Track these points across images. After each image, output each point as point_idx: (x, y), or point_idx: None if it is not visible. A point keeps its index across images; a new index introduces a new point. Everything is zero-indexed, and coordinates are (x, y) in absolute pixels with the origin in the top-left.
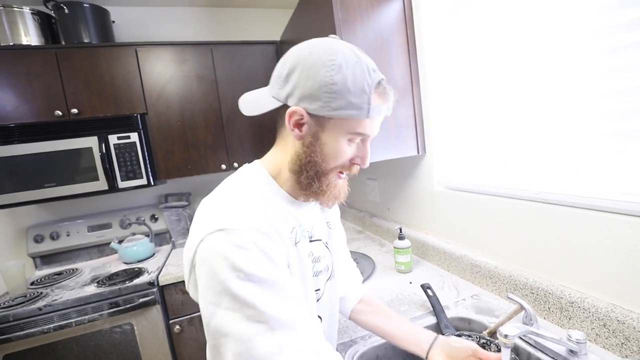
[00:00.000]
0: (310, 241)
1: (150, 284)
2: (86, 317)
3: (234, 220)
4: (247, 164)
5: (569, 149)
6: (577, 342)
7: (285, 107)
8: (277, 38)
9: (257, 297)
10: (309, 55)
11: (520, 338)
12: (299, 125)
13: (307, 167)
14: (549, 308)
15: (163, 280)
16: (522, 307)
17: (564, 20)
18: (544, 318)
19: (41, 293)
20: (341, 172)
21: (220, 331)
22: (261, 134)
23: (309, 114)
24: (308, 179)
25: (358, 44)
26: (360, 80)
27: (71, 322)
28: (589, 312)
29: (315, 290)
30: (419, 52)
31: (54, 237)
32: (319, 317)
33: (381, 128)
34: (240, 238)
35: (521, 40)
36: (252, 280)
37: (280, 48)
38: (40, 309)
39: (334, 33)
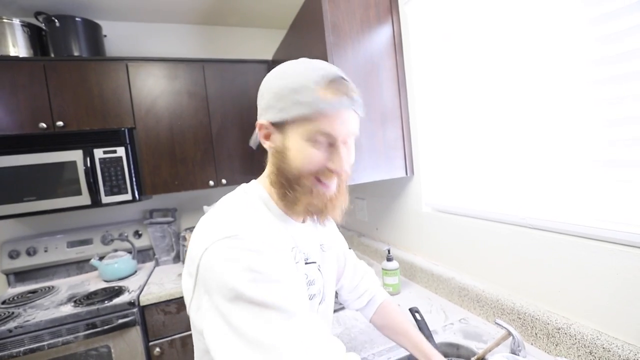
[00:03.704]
0: (306, 263)
1: (131, 303)
2: (60, 339)
3: (242, 228)
4: (244, 183)
5: (555, 175)
6: None
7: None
8: (269, 57)
9: (275, 297)
10: (271, 74)
11: None
12: (267, 137)
13: (279, 177)
14: (536, 334)
15: (144, 300)
16: (509, 333)
17: (557, 47)
18: (531, 344)
19: (12, 313)
20: (319, 180)
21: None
22: (251, 151)
23: (271, 124)
24: (282, 188)
25: (349, 67)
26: (304, 79)
27: (43, 345)
28: (576, 339)
29: None
30: (408, 76)
31: (30, 252)
32: None
33: (370, 149)
34: (252, 242)
35: (511, 64)
36: (268, 281)
37: (272, 67)
38: (10, 330)
39: (325, 56)
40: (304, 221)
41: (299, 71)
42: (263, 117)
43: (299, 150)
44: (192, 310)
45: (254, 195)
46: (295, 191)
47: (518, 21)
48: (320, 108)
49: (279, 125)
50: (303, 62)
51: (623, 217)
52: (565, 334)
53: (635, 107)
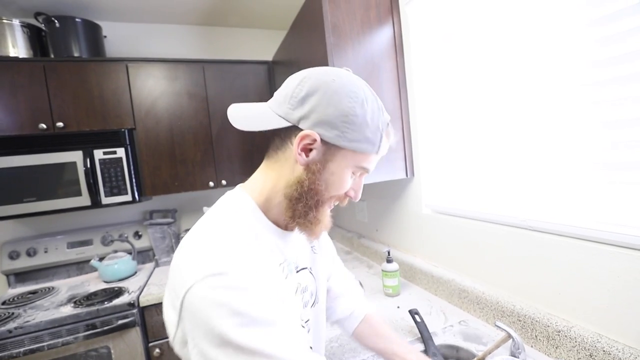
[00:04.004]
0: (297, 272)
1: (131, 304)
2: (60, 340)
3: (225, 262)
4: (229, 191)
5: (555, 177)
6: None
7: (294, 128)
8: (269, 58)
9: (264, 342)
10: (332, 82)
11: None
12: (306, 150)
13: (307, 195)
14: (536, 336)
15: (144, 301)
16: (509, 336)
17: (557, 49)
18: (531, 346)
19: (13, 314)
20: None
21: None
22: (251, 152)
23: (322, 140)
24: (306, 207)
25: (349, 68)
26: (377, 118)
27: (43, 346)
28: (576, 342)
29: (305, 322)
30: (408, 78)
31: (30, 253)
32: (310, 347)
33: None
34: (237, 280)
35: (511, 65)
36: (256, 324)
37: (272, 68)
38: (10, 331)
39: (326, 56)
40: (292, 229)
41: (374, 107)
42: (314, 127)
43: (341, 177)
44: (176, 343)
45: (242, 208)
46: (319, 212)
47: (519, 23)
48: (379, 150)
49: (330, 146)
50: (371, 92)
51: (624, 219)
52: (566, 336)
53: (636, 109)
